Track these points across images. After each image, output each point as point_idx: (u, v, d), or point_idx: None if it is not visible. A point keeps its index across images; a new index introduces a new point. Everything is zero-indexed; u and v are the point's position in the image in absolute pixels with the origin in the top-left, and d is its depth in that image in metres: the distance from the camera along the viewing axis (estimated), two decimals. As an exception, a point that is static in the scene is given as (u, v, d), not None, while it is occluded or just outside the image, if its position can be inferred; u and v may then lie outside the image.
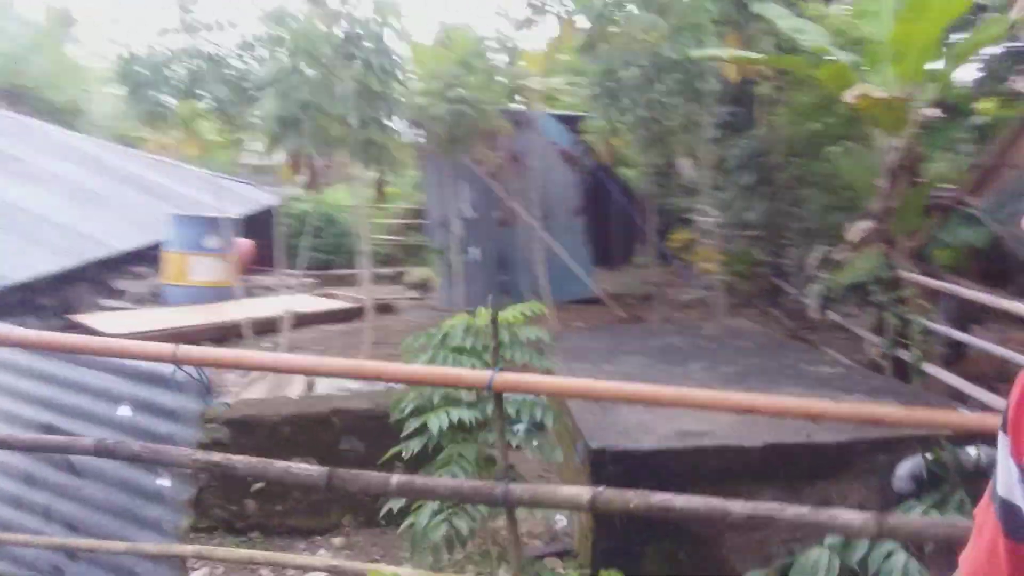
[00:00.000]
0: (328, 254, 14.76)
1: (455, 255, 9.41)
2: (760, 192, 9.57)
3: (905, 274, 5.57)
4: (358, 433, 4.00)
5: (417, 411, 2.80)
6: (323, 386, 5.57)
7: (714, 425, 3.64)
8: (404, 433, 2.66)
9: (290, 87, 4.44)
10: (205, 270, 8.84)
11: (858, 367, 5.32)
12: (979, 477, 3.37)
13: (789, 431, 3.54)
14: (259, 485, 3.84)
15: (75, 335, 2.67)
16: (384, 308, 9.32)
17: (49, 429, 3.06)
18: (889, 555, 2.83)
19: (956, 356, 6.08)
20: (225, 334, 7.78)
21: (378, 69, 4.72)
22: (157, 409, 2.84)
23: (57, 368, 3.09)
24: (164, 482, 2.77)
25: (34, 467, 3.07)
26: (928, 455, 3.36)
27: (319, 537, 3.84)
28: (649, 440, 3.49)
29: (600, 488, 2.23)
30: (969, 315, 6.13)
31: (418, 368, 2.46)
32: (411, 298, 11.04)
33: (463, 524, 2.38)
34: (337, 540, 3.81)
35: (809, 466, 3.48)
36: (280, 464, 2.45)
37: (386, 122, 4.92)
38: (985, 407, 4.54)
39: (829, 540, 3.14)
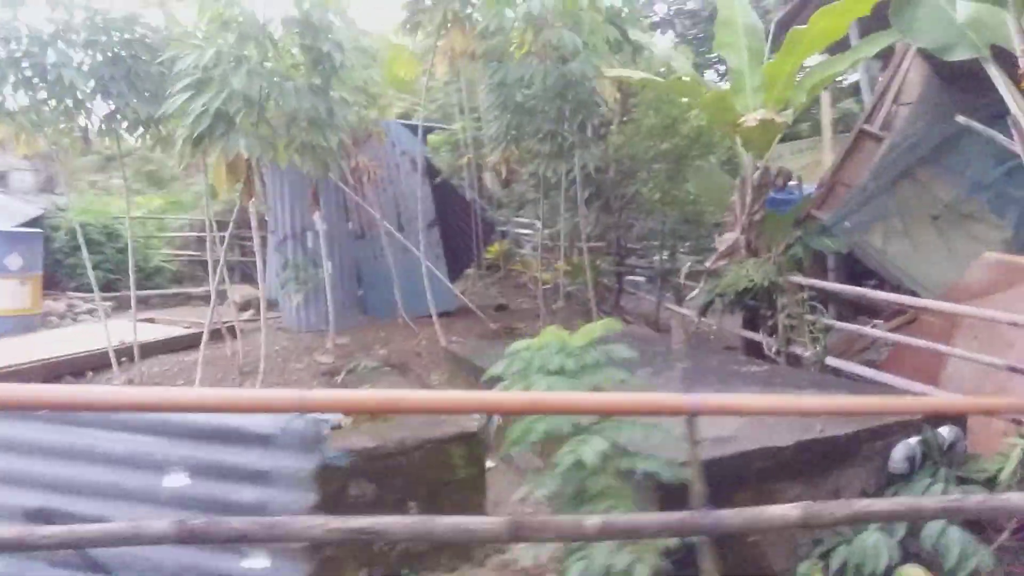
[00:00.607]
0: (110, 272, 12.96)
1: (309, 271, 8.69)
2: (597, 206, 10.16)
3: (795, 278, 6.24)
4: (366, 475, 3.55)
5: (544, 441, 2.56)
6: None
7: (728, 429, 3.78)
8: (560, 465, 2.40)
9: (234, 78, 3.74)
10: (8, 296, 7.24)
11: (779, 365, 5.85)
12: (952, 454, 3.88)
13: (799, 428, 3.80)
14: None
15: (163, 388, 2.02)
16: (231, 332, 8.31)
17: (40, 516, 2.31)
18: (943, 531, 3.14)
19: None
20: (54, 372, 6.42)
21: (340, 66, 4.18)
22: (234, 472, 2.27)
23: (44, 432, 2.35)
24: (257, 563, 2.22)
25: (23, 566, 2.29)
26: (917, 438, 3.80)
27: (335, 599, 3.33)
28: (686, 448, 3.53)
29: (807, 502, 2.21)
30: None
31: (609, 397, 2.25)
32: (246, 320, 9.98)
33: (655, 562, 2.22)
34: (358, 599, 3.32)
35: (823, 458, 3.75)
36: (447, 520, 2.09)
37: (330, 123, 4.38)
38: (879, 384, 5.25)
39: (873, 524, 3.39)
